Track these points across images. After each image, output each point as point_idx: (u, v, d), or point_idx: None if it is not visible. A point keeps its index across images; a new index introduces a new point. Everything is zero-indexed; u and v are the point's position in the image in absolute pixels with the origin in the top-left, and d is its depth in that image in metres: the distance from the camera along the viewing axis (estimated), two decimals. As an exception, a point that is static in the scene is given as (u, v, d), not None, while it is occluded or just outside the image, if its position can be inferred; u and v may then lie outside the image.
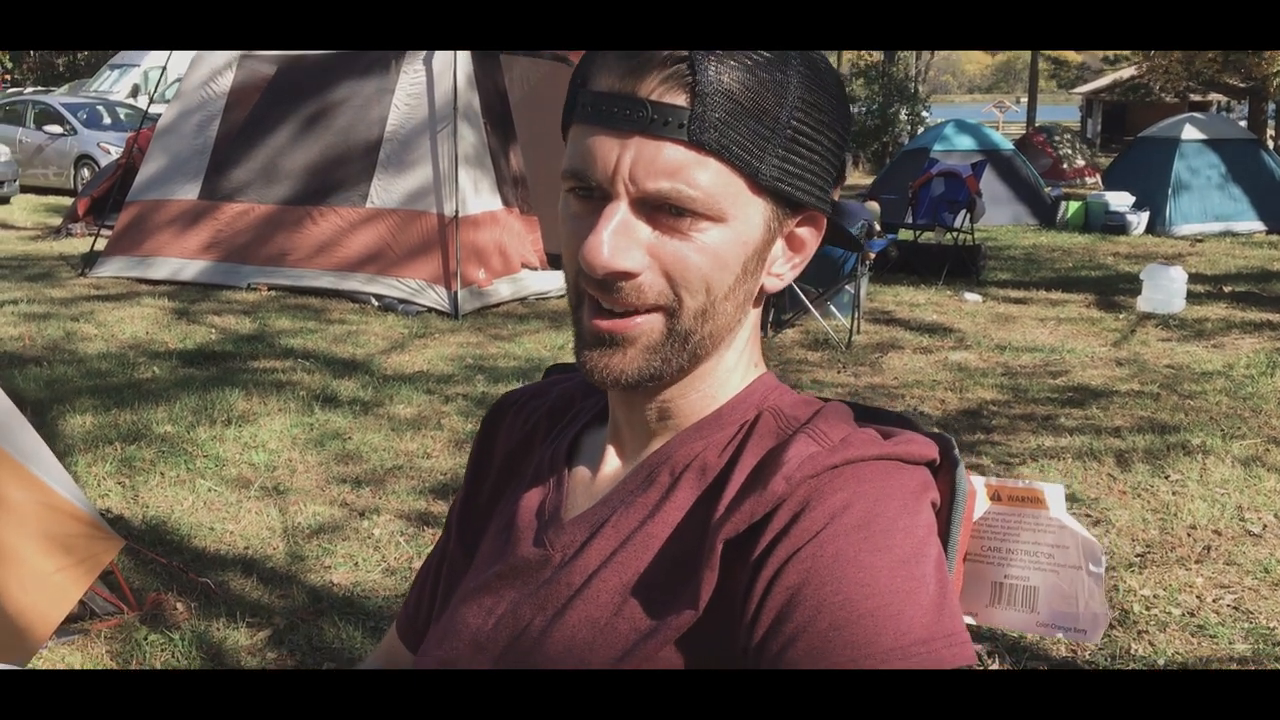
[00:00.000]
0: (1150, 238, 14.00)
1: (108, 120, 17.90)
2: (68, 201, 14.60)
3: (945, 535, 0.86)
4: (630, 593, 0.85)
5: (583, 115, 0.83)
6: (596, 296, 0.84)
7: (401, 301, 8.40)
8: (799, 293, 7.36)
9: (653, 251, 0.82)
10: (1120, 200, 14.53)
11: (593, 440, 0.98)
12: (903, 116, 24.65)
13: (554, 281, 8.78)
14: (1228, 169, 14.61)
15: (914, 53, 29.44)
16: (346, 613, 3.58)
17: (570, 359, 0.95)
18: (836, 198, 6.64)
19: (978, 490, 0.90)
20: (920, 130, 22.36)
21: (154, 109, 12.14)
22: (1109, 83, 34.69)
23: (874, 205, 9.77)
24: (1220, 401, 6.13)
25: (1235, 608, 3.69)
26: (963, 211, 10.74)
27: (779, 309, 7.72)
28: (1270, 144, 20.23)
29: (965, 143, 15.10)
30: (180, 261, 9.25)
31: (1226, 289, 10.00)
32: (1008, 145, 16.00)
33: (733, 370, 0.91)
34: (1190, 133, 14.77)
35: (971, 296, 9.42)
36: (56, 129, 17.33)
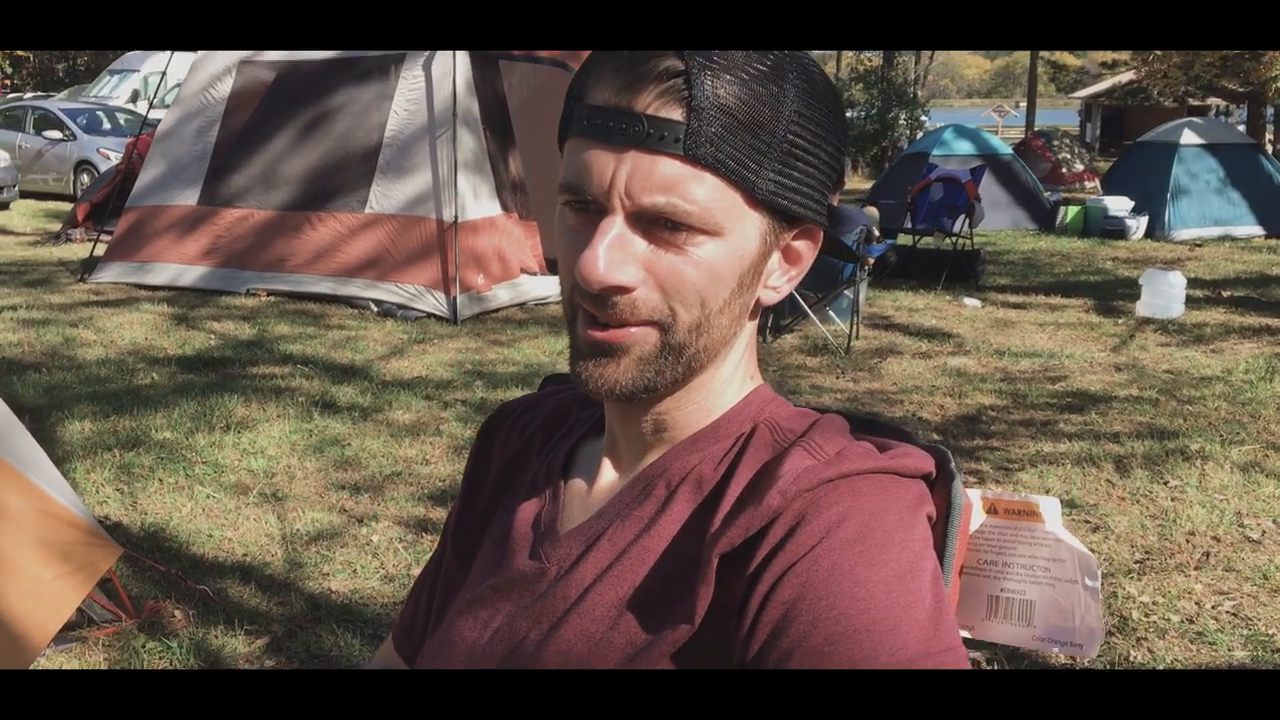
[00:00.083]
0: (1149, 242, 14.01)
1: (107, 126, 17.92)
2: (67, 207, 14.61)
3: (941, 549, 0.86)
4: (626, 606, 0.85)
5: (579, 129, 0.83)
6: (590, 311, 0.84)
7: (400, 307, 8.40)
8: (798, 298, 7.37)
9: (648, 266, 0.82)
10: (1119, 205, 14.54)
11: (589, 452, 0.98)
12: (901, 121, 24.69)
13: (553, 287, 8.78)
14: (1226, 173, 14.63)
15: (913, 57, 29.50)
16: (345, 620, 3.58)
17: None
18: (835, 203, 6.60)
19: (974, 503, 0.90)
20: (919, 135, 22.39)
21: (154, 114, 12.14)
22: (1108, 87, 34.74)
23: (873, 210, 9.78)
24: (1219, 407, 6.13)
25: (1234, 614, 3.69)
26: (962, 216, 10.74)
27: (778, 314, 7.73)
28: (1269, 148, 20.24)
29: (964, 147, 15.11)
30: (179, 267, 9.26)
31: (1225, 294, 10.00)
32: (1006, 150, 16.01)
33: (728, 383, 0.91)
34: (1189, 137, 14.79)
35: (970, 301, 9.43)
36: (56, 134, 17.34)
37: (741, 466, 0.86)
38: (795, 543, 0.79)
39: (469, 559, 1.02)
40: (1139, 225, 14.32)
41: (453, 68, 8.53)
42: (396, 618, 1.14)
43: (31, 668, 3.01)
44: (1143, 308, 8.88)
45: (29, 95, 24.95)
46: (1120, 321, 8.72)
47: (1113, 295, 9.80)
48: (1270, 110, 23.54)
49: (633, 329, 0.83)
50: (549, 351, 7.33)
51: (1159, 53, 20.01)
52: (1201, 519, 4.47)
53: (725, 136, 0.79)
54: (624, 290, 0.82)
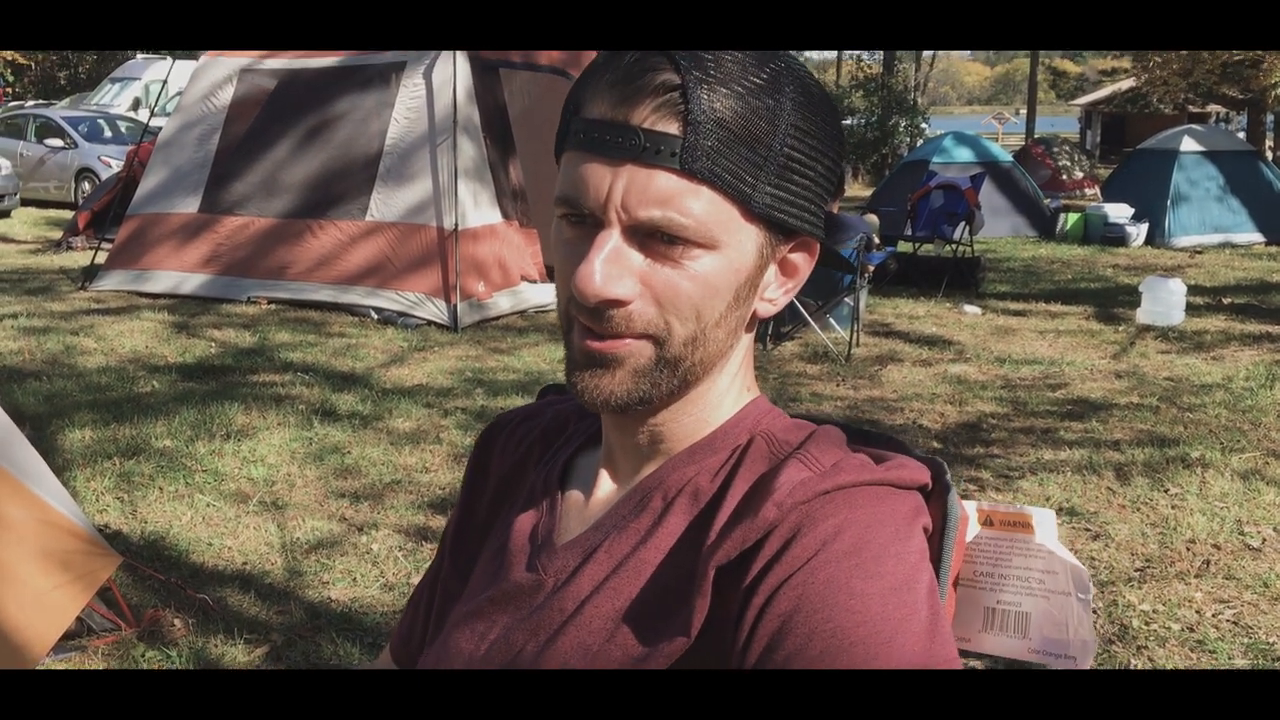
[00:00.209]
0: (1149, 249, 14.02)
1: (108, 134, 17.95)
2: (68, 215, 14.63)
3: (937, 561, 0.86)
4: (622, 619, 0.85)
5: (575, 142, 0.84)
6: (586, 323, 0.84)
7: (401, 314, 8.40)
8: (798, 306, 7.37)
9: (644, 279, 0.82)
10: (1119, 212, 14.55)
11: (586, 463, 0.99)
12: (901, 128, 24.70)
13: (553, 294, 8.77)
14: (1226, 181, 14.64)
15: (913, 64, 29.53)
16: (344, 629, 3.58)
17: None
18: (835, 211, 6.61)
19: (970, 515, 0.90)
20: (919, 142, 22.40)
21: (155, 122, 12.17)
22: (1108, 94, 34.78)
23: (873, 218, 9.78)
24: (1219, 414, 6.13)
25: (1235, 622, 3.69)
26: (962, 224, 10.75)
27: (778, 322, 7.73)
28: (1269, 155, 20.25)
29: (964, 155, 15.11)
30: (180, 275, 9.27)
31: (1226, 301, 10.00)
32: (1007, 157, 16.02)
33: (725, 394, 0.91)
34: (1189, 144, 14.80)
35: (971, 309, 9.43)
36: (57, 142, 17.36)
37: (738, 479, 0.86)
38: (791, 555, 0.79)
39: (467, 569, 1.03)
40: (1139, 232, 14.33)
41: (453, 75, 8.55)
42: (394, 627, 1.15)
43: (31, 677, 3.01)
44: (1143, 315, 8.88)
45: (30, 103, 25.02)
46: (1120, 329, 8.72)
47: (1113, 302, 9.80)
48: (1270, 117, 23.57)
49: (628, 340, 0.83)
50: (549, 359, 7.33)
51: (1159, 59, 20.05)
52: (1202, 527, 4.47)
53: (721, 150, 0.79)
54: (620, 304, 0.82)
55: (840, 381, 6.91)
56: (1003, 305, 9.74)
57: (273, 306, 8.84)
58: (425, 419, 5.91)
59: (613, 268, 0.81)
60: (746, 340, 0.92)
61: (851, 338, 7.75)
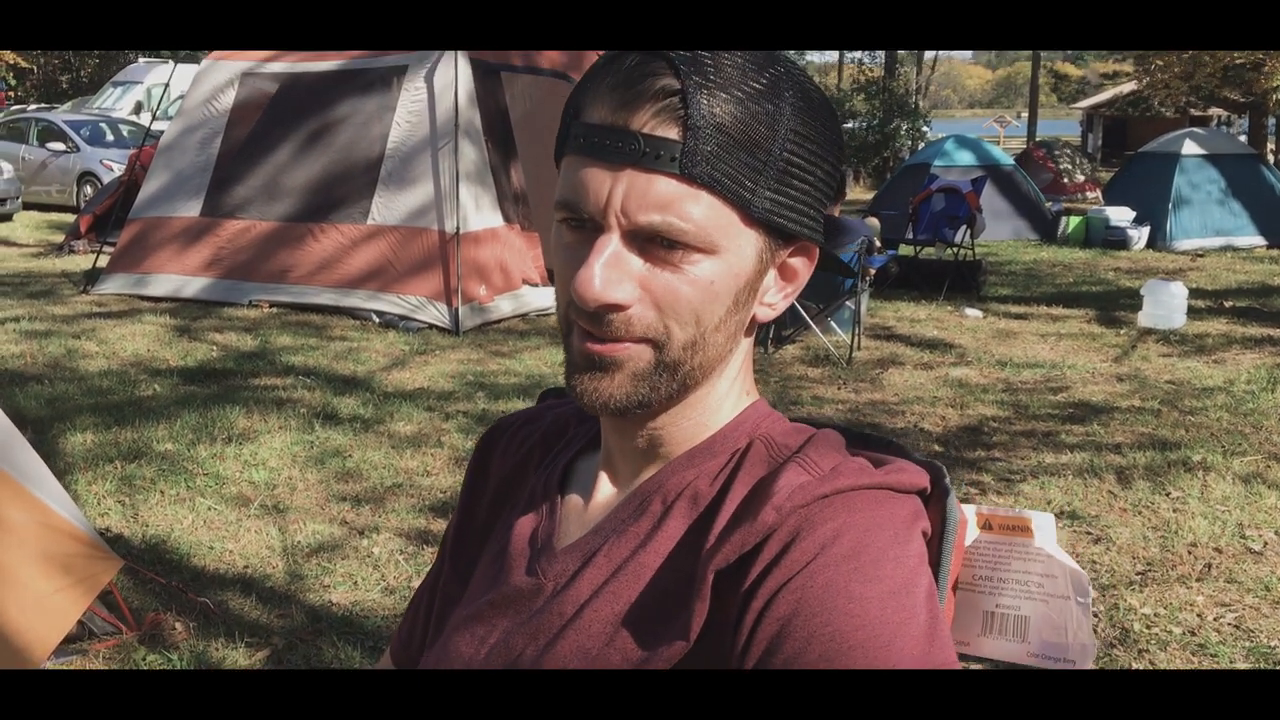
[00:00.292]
0: (1151, 253, 14.02)
1: (110, 137, 17.97)
2: (70, 218, 14.63)
3: (936, 565, 0.85)
4: (622, 623, 0.85)
5: (575, 146, 0.84)
6: (586, 327, 0.84)
7: (402, 318, 8.41)
8: (799, 309, 7.37)
9: (644, 283, 0.82)
10: (1121, 215, 14.55)
11: (586, 467, 0.99)
12: (903, 132, 24.70)
13: (554, 298, 8.77)
14: (1228, 184, 14.64)
15: (914, 68, 29.53)
16: (345, 632, 3.58)
17: None
18: (837, 214, 6.60)
19: (969, 519, 0.90)
20: (921, 145, 22.41)
21: (156, 126, 12.17)
22: (1109, 97, 34.76)
23: (874, 221, 9.79)
24: (1221, 418, 6.13)
25: (1236, 626, 3.69)
26: (963, 227, 10.76)
27: (779, 325, 7.73)
28: (1271, 158, 20.25)
29: (965, 158, 15.13)
30: (182, 278, 9.28)
31: (1227, 304, 10.00)
32: (1008, 160, 16.03)
33: (724, 398, 0.91)
34: (1191, 148, 14.80)
35: (972, 312, 9.43)
36: (59, 146, 17.39)
37: (737, 482, 0.87)
38: (790, 559, 0.79)
39: (467, 573, 1.03)
40: (1141, 236, 14.33)
41: (455, 79, 8.56)
42: (395, 630, 1.15)
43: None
44: (1144, 318, 8.88)
45: (33, 107, 25.04)
46: (1122, 332, 8.72)
47: (1114, 306, 9.80)
48: (1272, 120, 23.55)
49: (628, 344, 0.84)
50: (551, 362, 7.33)
51: (1160, 62, 20.05)
52: (1203, 530, 4.46)
53: (721, 155, 0.80)
54: (619, 308, 0.82)
55: (841, 385, 6.91)
56: (1004, 308, 9.74)
57: (274, 310, 8.85)
58: (426, 422, 5.91)
59: (612, 272, 0.81)
60: (746, 344, 0.92)
61: (853, 341, 7.75)
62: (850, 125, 24.94)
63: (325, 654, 3.44)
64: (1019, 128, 38.38)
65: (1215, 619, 3.73)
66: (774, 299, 0.90)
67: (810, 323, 7.53)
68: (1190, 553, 4.27)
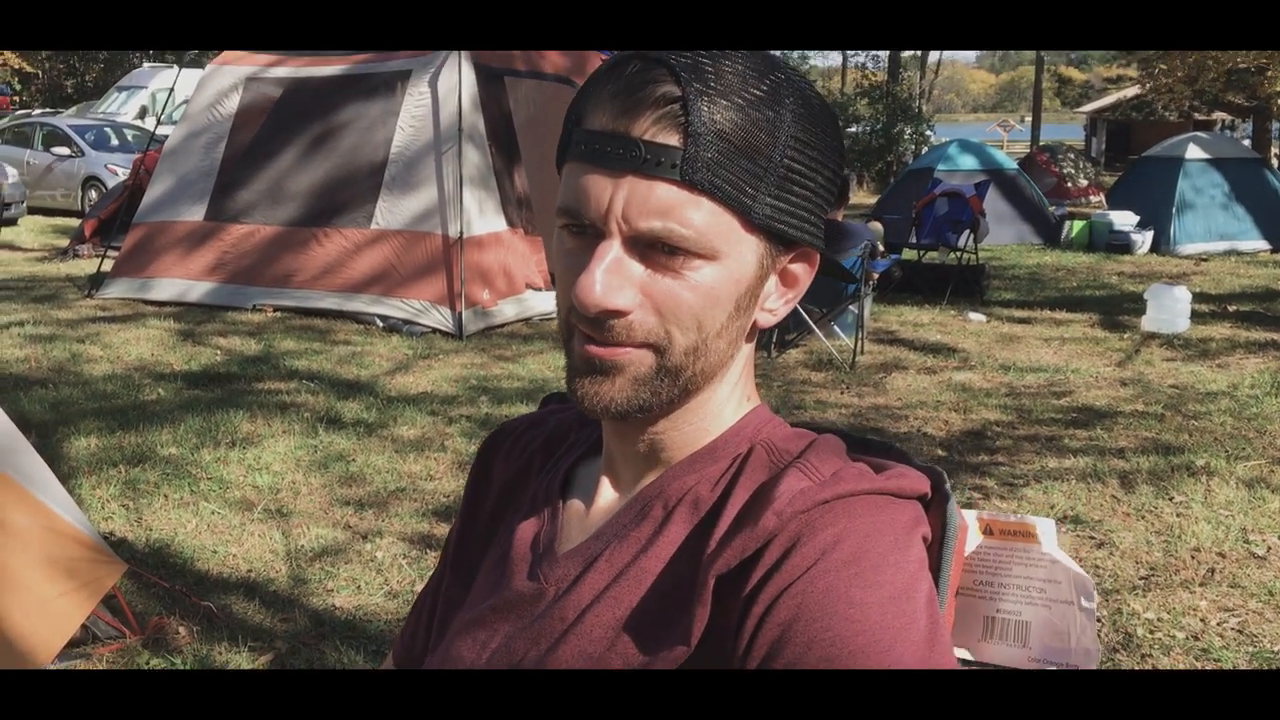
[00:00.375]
0: (1155, 257, 14.01)
1: (115, 142, 18.01)
2: (75, 223, 14.67)
3: (937, 570, 0.86)
4: (623, 628, 0.85)
5: (577, 153, 0.84)
6: (587, 332, 0.84)
7: (406, 322, 8.42)
8: (803, 313, 7.37)
9: (645, 289, 0.83)
10: (1124, 219, 14.55)
11: (588, 472, 0.99)
12: (906, 136, 24.72)
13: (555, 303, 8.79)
14: (1232, 188, 14.64)
15: (918, 72, 29.55)
16: (348, 636, 3.58)
17: None
18: (840, 218, 6.60)
19: (969, 524, 0.90)
20: (924, 150, 22.41)
21: (161, 130, 12.20)
22: (1113, 101, 34.76)
23: (877, 226, 9.78)
24: (1225, 422, 6.12)
25: (1239, 631, 3.68)
26: (966, 231, 10.75)
27: (783, 329, 7.73)
28: (1275, 163, 20.25)
29: (969, 162, 15.13)
30: (186, 283, 9.29)
31: (1231, 308, 9.99)
32: (1012, 164, 16.04)
33: (725, 403, 0.91)
34: (1194, 152, 14.80)
35: (975, 316, 9.43)
36: (64, 151, 17.43)
37: (738, 488, 0.87)
38: (791, 564, 0.79)
39: (469, 578, 1.03)
40: (1144, 240, 14.32)
41: (458, 83, 8.57)
42: (398, 634, 1.15)
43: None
44: (1148, 322, 8.87)
45: (37, 111, 25.09)
46: (1126, 336, 8.71)
47: (1118, 310, 9.79)
48: (1276, 125, 23.55)
49: (629, 349, 0.84)
50: (554, 366, 7.33)
51: (1164, 66, 20.04)
52: (1207, 535, 4.46)
53: (722, 161, 0.80)
54: (620, 314, 0.82)
55: (845, 389, 6.91)
56: (1007, 313, 9.73)
57: (278, 314, 8.86)
58: (430, 426, 5.92)
59: (613, 278, 0.82)
60: (747, 350, 0.92)
61: (856, 345, 7.75)
62: (854, 129, 24.96)
63: (328, 658, 3.45)
64: (1022, 132, 38.41)
65: (1219, 624, 3.73)
66: (775, 305, 0.90)
67: (813, 327, 7.53)
68: (1194, 557, 4.26)
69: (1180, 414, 6.30)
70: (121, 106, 23.41)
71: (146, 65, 26.36)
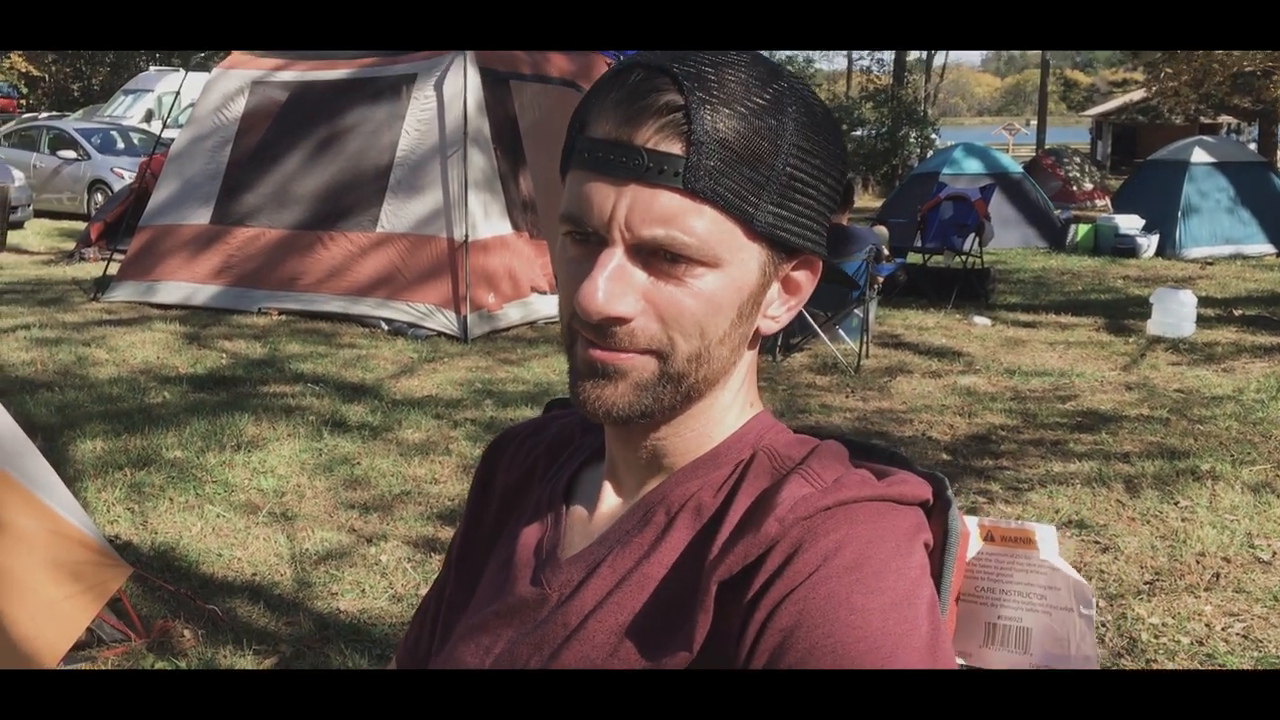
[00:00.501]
0: (1160, 261, 13.99)
1: (121, 145, 18.05)
2: (81, 226, 14.69)
3: (939, 576, 0.86)
4: (625, 634, 0.86)
5: (580, 161, 0.85)
6: (590, 337, 0.85)
7: (411, 325, 8.43)
8: (807, 317, 7.37)
9: (648, 296, 0.83)
10: (1130, 223, 14.53)
11: (590, 477, 0.99)
12: (912, 139, 24.73)
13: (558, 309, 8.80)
14: (1237, 192, 14.61)
15: (923, 75, 29.54)
16: (353, 640, 3.59)
17: None
18: (845, 222, 6.60)
19: (971, 531, 0.91)
20: (929, 153, 22.42)
21: (167, 134, 12.23)
22: (1119, 105, 34.74)
23: (882, 229, 9.77)
24: (1230, 426, 6.11)
25: (1244, 636, 3.67)
26: (971, 235, 10.75)
27: (788, 333, 7.73)
28: (1280, 166, 20.22)
29: (974, 166, 15.12)
30: (192, 286, 9.31)
31: (1237, 312, 9.97)
32: (1017, 168, 16.02)
33: (728, 410, 0.92)
34: (1200, 155, 14.78)
35: (980, 320, 9.42)
36: (70, 154, 17.47)
37: (740, 494, 0.87)
38: (793, 570, 0.79)
39: (473, 583, 1.03)
40: (1150, 243, 14.31)
41: (464, 87, 8.59)
42: (402, 638, 1.15)
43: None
44: (1153, 326, 8.86)
45: (44, 115, 25.14)
46: (1131, 340, 8.70)
47: (1123, 314, 9.78)
48: (1281, 128, 23.50)
49: (632, 354, 0.84)
50: (559, 370, 7.34)
51: (1169, 70, 20.03)
52: (1212, 540, 4.45)
53: (724, 170, 0.80)
54: (622, 321, 0.83)
55: (849, 393, 6.91)
56: (1012, 317, 9.73)
57: (283, 317, 8.88)
58: (435, 430, 5.92)
59: (616, 285, 0.82)
60: (749, 356, 0.92)
61: (861, 349, 7.74)
62: (859, 133, 24.96)
63: (333, 661, 3.45)
64: (1028, 135, 38.38)
65: (1223, 629, 3.72)
66: (777, 312, 0.90)
67: (818, 331, 7.53)
68: (1198, 562, 4.26)
69: (1185, 418, 6.29)
70: (127, 110, 23.46)
71: (153, 69, 26.42)
